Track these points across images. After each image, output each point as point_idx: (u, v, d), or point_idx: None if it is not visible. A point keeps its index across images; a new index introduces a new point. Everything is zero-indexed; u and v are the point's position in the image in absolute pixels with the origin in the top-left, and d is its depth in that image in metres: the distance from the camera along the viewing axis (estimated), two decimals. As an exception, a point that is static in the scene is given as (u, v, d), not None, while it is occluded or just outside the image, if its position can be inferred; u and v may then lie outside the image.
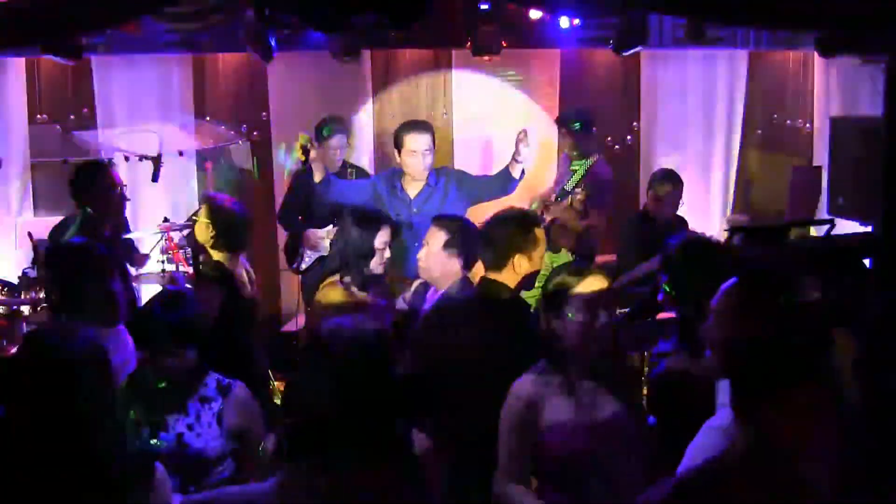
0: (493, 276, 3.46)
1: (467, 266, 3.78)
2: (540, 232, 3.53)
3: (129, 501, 2.17)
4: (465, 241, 3.73)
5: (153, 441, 2.93)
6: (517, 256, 3.40)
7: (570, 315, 2.84)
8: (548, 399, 2.84)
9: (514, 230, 3.48)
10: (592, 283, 2.87)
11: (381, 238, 3.88)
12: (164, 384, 2.96)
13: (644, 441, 2.92)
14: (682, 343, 3.09)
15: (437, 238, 3.78)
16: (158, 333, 2.94)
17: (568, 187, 5.92)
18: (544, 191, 6.40)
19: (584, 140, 6.05)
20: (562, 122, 6.21)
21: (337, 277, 3.89)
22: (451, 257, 3.74)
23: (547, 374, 2.89)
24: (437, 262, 3.77)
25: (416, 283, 4.19)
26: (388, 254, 3.93)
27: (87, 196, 4.75)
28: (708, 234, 5.21)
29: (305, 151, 4.86)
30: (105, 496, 2.12)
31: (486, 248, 3.51)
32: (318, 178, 4.98)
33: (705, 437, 2.25)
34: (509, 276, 3.43)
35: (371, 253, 3.85)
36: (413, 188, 5.15)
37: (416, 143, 5.04)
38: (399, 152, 5.13)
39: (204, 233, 4.13)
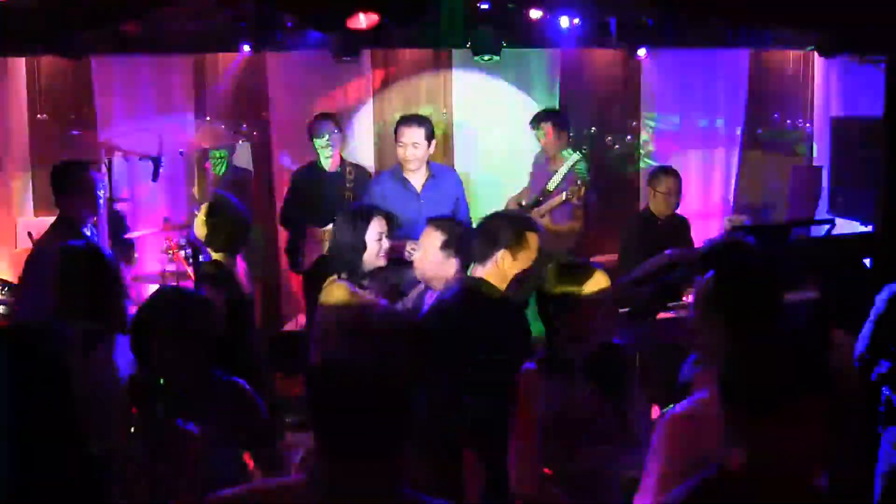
0: (478, 271, 3.43)
1: (464, 268, 3.74)
2: (531, 236, 3.46)
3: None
4: (463, 241, 3.71)
5: None
6: (501, 252, 3.37)
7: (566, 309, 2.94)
8: (544, 387, 2.92)
9: (503, 225, 3.46)
10: (593, 284, 2.95)
11: (374, 230, 3.82)
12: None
13: (625, 437, 2.98)
14: None
15: (433, 239, 3.75)
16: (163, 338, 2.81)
17: (550, 187, 5.90)
18: (520, 192, 6.37)
19: (559, 140, 6.09)
20: (536, 122, 6.21)
21: (336, 276, 3.85)
22: (449, 258, 3.72)
23: (544, 365, 2.97)
24: (433, 263, 3.74)
25: (419, 287, 4.13)
26: (385, 245, 3.87)
27: (66, 197, 4.59)
28: (707, 233, 5.19)
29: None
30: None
31: (475, 242, 3.50)
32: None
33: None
34: (494, 273, 3.39)
35: (362, 247, 3.80)
36: (417, 180, 5.27)
37: (405, 136, 5.22)
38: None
39: (199, 229, 4.13)
